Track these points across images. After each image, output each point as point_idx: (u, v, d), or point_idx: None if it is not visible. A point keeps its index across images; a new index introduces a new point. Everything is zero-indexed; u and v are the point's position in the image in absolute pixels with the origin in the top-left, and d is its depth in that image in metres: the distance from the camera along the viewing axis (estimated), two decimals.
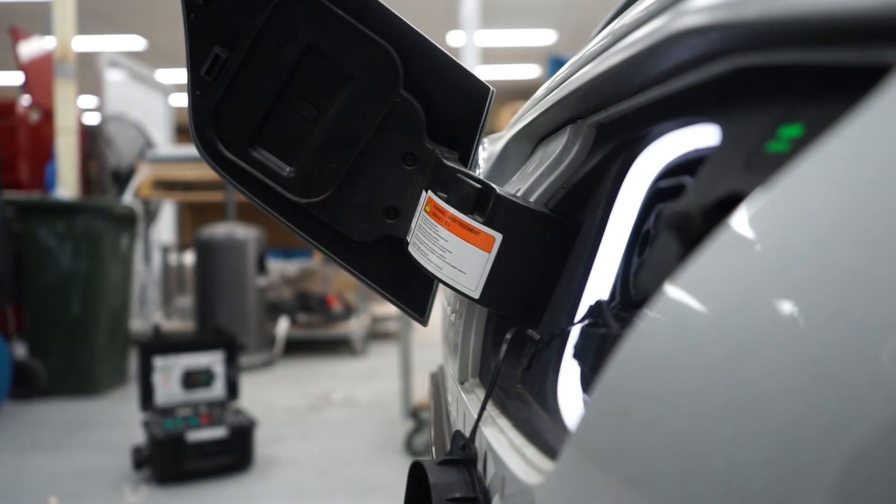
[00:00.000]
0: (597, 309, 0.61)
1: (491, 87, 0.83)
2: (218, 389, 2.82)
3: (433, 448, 0.89)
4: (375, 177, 0.83)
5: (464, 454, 0.64)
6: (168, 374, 2.73)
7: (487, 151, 1.00)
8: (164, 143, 6.33)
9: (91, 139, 5.03)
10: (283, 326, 4.99)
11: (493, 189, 0.71)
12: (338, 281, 5.75)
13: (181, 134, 8.45)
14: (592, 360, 0.60)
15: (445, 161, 0.77)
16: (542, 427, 0.59)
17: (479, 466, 0.63)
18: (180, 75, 9.53)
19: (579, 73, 0.65)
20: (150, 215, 5.35)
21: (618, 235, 0.65)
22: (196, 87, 0.82)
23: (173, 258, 6.11)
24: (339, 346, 5.35)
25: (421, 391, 3.23)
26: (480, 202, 0.71)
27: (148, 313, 5.27)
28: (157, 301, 5.55)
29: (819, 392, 0.24)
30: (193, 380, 2.76)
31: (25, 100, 5.10)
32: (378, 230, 0.85)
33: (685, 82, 0.50)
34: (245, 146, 0.84)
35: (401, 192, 0.83)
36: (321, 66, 0.80)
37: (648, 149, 0.63)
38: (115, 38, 8.75)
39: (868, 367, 0.23)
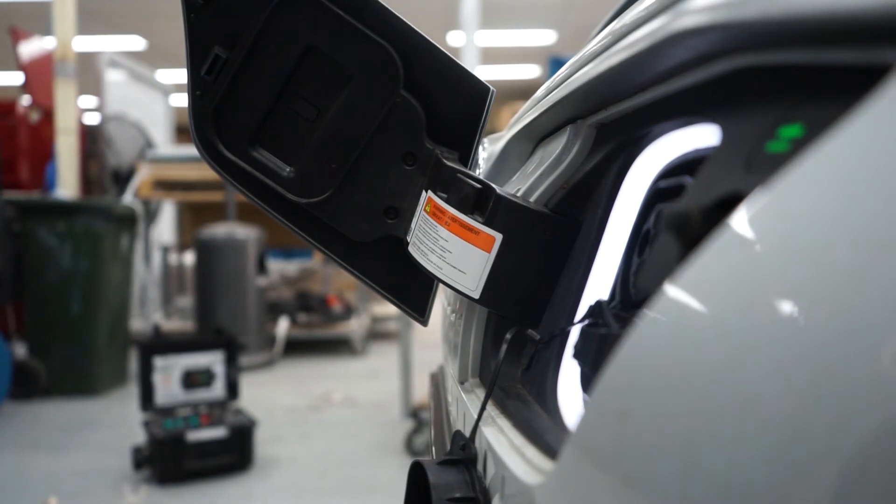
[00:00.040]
0: (597, 309, 0.61)
1: (491, 87, 0.83)
2: (218, 389, 2.82)
3: (433, 448, 0.89)
4: (375, 177, 0.83)
5: (464, 454, 0.64)
6: (168, 374, 2.73)
7: (487, 151, 1.00)
8: (164, 143, 6.33)
9: (91, 139, 5.03)
10: (283, 326, 4.99)
11: (493, 189, 0.71)
12: (338, 281, 5.75)
13: (181, 134, 8.45)
14: (592, 360, 0.60)
15: (445, 161, 0.77)
16: (542, 427, 0.59)
17: (479, 466, 0.63)
18: (180, 75, 9.53)
19: (579, 73, 0.65)
20: (150, 215, 5.35)
21: (618, 235, 0.65)
22: (196, 87, 0.82)
23: (173, 258, 6.11)
24: (339, 346, 5.35)
25: (421, 391, 3.23)
26: (480, 202, 0.71)
27: (148, 313, 5.27)
28: (157, 301, 5.55)
29: (819, 392, 0.24)
30: (193, 380, 2.76)
31: (25, 100, 5.11)
32: (378, 230, 0.85)
33: (685, 82, 0.50)
34: (245, 146, 0.84)
35: (401, 192, 0.83)
36: (321, 66, 0.80)
37: (648, 149, 0.63)
38: (115, 38, 8.75)
39: (868, 366, 0.23)
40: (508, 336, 0.70)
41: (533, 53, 9.83)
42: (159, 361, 2.72)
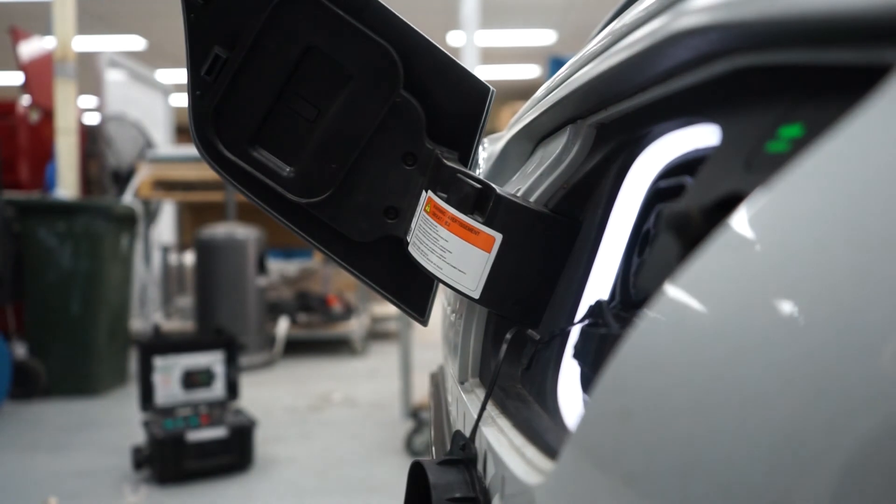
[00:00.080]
0: (597, 309, 0.61)
1: (491, 87, 0.83)
2: (218, 389, 2.82)
3: (433, 448, 0.89)
4: (375, 177, 0.83)
5: (464, 454, 0.64)
6: (168, 374, 2.73)
7: (487, 151, 1.00)
8: (164, 143, 6.33)
9: (91, 139, 5.03)
10: (283, 326, 4.99)
11: (493, 189, 0.71)
12: (338, 281, 5.75)
13: (181, 134, 8.45)
14: (592, 360, 0.60)
15: (445, 161, 0.77)
16: (542, 427, 0.59)
17: (479, 466, 0.63)
18: (180, 75, 9.53)
19: (579, 73, 0.65)
20: (150, 215, 5.35)
21: (618, 235, 0.65)
22: (196, 87, 0.82)
23: (173, 258, 6.11)
24: (339, 346, 5.36)
25: (421, 391, 3.23)
26: (480, 202, 0.71)
27: (148, 313, 5.27)
28: (157, 301, 5.55)
29: (819, 391, 0.24)
30: (193, 380, 2.77)
31: (25, 100, 5.11)
32: (378, 230, 0.85)
33: (685, 82, 0.50)
34: (245, 146, 0.84)
35: (401, 192, 0.83)
36: (321, 66, 0.80)
37: (648, 149, 0.63)
38: (115, 38, 8.75)
39: (868, 366, 0.23)
40: (508, 336, 0.70)
41: (533, 53, 9.83)
42: (159, 361, 2.72)
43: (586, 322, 0.62)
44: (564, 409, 0.62)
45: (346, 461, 2.83)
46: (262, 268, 4.78)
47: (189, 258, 5.85)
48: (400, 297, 0.89)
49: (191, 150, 4.65)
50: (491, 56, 9.36)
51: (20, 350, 3.79)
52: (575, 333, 0.65)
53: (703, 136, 0.53)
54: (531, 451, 0.54)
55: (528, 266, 0.72)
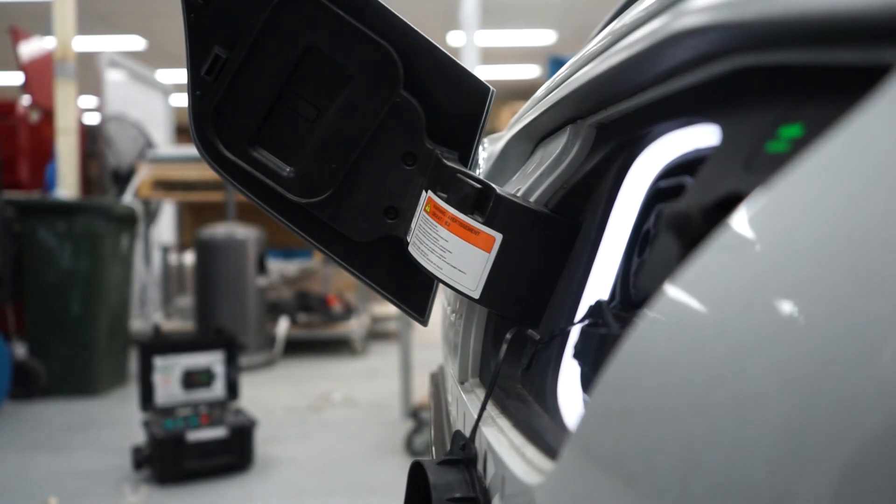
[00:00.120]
0: (597, 309, 0.61)
1: (491, 87, 0.83)
2: (218, 389, 2.82)
3: (433, 448, 0.89)
4: (375, 177, 0.83)
5: (464, 454, 0.64)
6: (168, 374, 2.73)
7: (487, 151, 1.00)
8: (164, 143, 6.33)
9: (91, 139, 5.03)
10: (283, 326, 4.99)
11: (493, 189, 0.71)
12: (338, 281, 5.75)
13: (181, 134, 8.45)
14: (592, 360, 0.60)
15: (445, 161, 0.77)
16: (542, 427, 0.59)
17: (479, 466, 0.63)
18: (180, 75, 9.53)
19: (579, 73, 0.65)
20: (150, 215, 5.35)
21: (618, 235, 0.65)
22: (196, 87, 0.82)
23: (173, 258, 6.11)
24: (339, 346, 5.36)
25: (421, 391, 3.23)
26: (480, 202, 0.71)
27: (148, 313, 5.27)
28: (157, 301, 5.55)
29: (819, 391, 0.24)
30: (193, 380, 2.77)
31: (25, 100, 5.11)
32: (378, 230, 0.85)
33: (685, 82, 0.50)
34: (245, 146, 0.84)
35: (401, 192, 0.83)
36: (321, 66, 0.80)
37: (648, 149, 0.63)
38: (115, 38, 8.75)
39: (868, 366, 0.23)
40: (508, 336, 0.70)
41: (533, 53, 9.83)
42: (159, 361, 2.72)
43: (586, 322, 0.62)
44: (564, 409, 0.62)
45: (347, 461, 2.83)
46: (262, 268, 4.78)
47: (189, 258, 5.85)
48: (400, 297, 0.89)
49: (191, 150, 4.65)
50: (491, 56, 9.35)
51: (20, 350, 3.79)
52: (575, 333, 0.65)
53: (703, 136, 0.53)
54: (531, 451, 0.54)
55: (528, 266, 0.72)
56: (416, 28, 0.80)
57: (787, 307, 0.26)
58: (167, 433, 2.56)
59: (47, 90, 4.64)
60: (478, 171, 0.93)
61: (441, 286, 0.80)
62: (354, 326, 5.12)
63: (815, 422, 0.24)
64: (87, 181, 4.96)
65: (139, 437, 2.86)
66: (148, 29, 8.56)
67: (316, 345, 5.35)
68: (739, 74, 0.43)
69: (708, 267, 0.32)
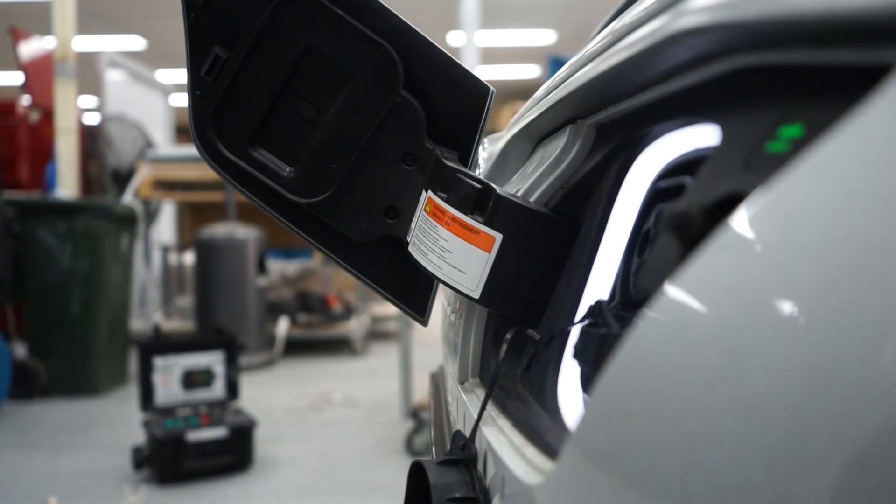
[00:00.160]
0: (597, 309, 0.61)
1: (491, 87, 0.83)
2: (218, 389, 2.82)
3: (433, 448, 0.89)
4: (375, 177, 0.83)
5: (464, 454, 0.64)
6: (168, 374, 2.73)
7: (487, 151, 1.00)
8: (164, 143, 6.33)
9: (91, 139, 5.04)
10: (283, 326, 4.99)
11: (493, 189, 0.71)
12: (338, 281, 5.75)
13: (181, 134, 8.45)
14: (592, 360, 0.60)
15: (445, 161, 0.77)
16: (542, 427, 0.59)
17: (479, 466, 0.63)
18: (180, 75, 9.53)
19: (579, 73, 0.65)
20: (150, 215, 5.35)
21: (618, 235, 0.65)
22: (196, 87, 0.82)
23: (173, 258, 6.11)
24: (339, 346, 5.35)
25: (421, 391, 3.23)
26: (480, 202, 0.72)
27: (148, 313, 5.27)
28: (157, 301, 5.55)
29: (819, 391, 0.24)
30: (193, 380, 2.77)
31: (25, 100, 5.11)
32: (378, 230, 0.85)
33: (685, 82, 0.50)
34: (245, 146, 0.84)
35: (401, 192, 0.83)
36: (321, 66, 0.80)
37: (648, 149, 0.63)
38: (115, 38, 8.75)
39: (868, 366, 0.23)
40: (508, 336, 0.70)
41: (533, 53, 9.83)
42: (159, 361, 2.72)
43: (586, 322, 0.62)
44: (564, 409, 0.62)
45: (346, 461, 2.83)
46: (262, 268, 4.78)
47: (189, 258, 5.85)
48: (400, 297, 0.89)
49: (191, 150, 4.65)
50: (491, 56, 9.35)
51: (20, 350, 3.79)
52: (575, 333, 0.65)
53: (703, 136, 0.53)
54: (531, 451, 0.54)
55: (528, 266, 0.72)
56: (416, 28, 0.80)
57: (787, 307, 0.26)
58: (167, 433, 2.56)
59: (47, 90, 4.64)
60: (478, 171, 0.93)
61: (441, 286, 0.80)
62: (354, 326, 5.12)
63: (815, 422, 0.24)
64: (87, 181, 4.96)
65: (139, 437, 2.86)
66: (148, 29, 8.56)
67: (316, 345, 5.35)
68: (739, 74, 0.43)
69: (708, 267, 0.32)
